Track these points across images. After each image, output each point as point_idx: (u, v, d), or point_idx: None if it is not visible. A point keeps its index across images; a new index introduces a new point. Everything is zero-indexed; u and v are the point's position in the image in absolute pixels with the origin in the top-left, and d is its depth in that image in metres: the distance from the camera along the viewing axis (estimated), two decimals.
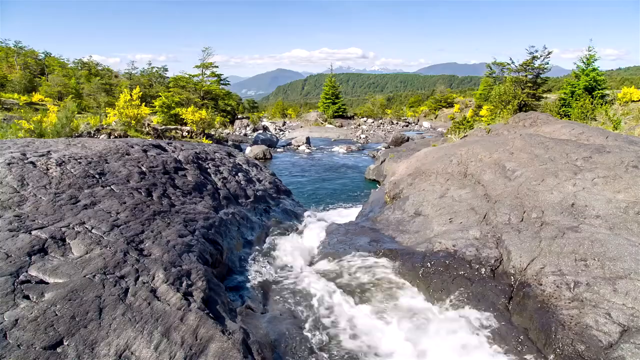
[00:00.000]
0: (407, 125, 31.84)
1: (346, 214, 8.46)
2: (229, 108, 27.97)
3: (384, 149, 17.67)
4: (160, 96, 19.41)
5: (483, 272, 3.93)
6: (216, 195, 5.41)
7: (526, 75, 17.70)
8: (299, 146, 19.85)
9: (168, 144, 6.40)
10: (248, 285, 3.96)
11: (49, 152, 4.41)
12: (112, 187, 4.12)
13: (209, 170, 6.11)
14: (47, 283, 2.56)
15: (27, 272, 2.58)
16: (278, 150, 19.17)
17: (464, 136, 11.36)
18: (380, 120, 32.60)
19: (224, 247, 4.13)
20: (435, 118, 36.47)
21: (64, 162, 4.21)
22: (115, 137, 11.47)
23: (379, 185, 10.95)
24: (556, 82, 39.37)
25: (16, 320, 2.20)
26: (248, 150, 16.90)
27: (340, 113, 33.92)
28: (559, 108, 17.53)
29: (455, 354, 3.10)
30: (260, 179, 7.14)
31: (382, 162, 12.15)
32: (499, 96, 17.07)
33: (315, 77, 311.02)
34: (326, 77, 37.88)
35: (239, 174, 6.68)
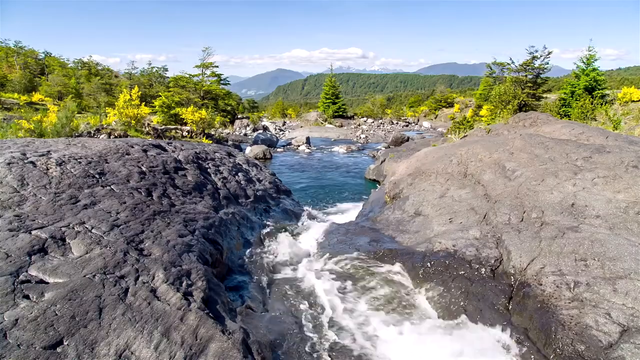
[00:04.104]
0: (407, 125, 31.84)
1: (346, 214, 8.48)
2: (229, 108, 27.96)
3: (384, 148, 17.68)
4: (160, 96, 19.40)
5: (483, 272, 3.93)
6: (216, 195, 5.40)
7: (526, 75, 17.71)
8: (299, 146, 19.85)
9: (168, 143, 6.40)
10: (248, 285, 3.96)
11: (49, 152, 4.41)
12: (112, 187, 4.12)
13: (209, 170, 6.11)
14: (47, 283, 2.56)
15: (27, 271, 2.57)
16: (278, 150, 19.17)
17: (464, 136, 11.36)
18: (380, 120, 32.60)
19: (224, 247, 4.13)
20: (435, 118, 36.47)
21: (64, 161, 4.21)
22: (115, 137, 11.47)
23: (379, 185, 10.95)
24: (556, 82, 39.36)
25: (16, 320, 2.20)
26: (248, 150, 16.90)
27: (340, 113, 33.92)
28: (559, 108, 17.54)
29: (455, 354, 3.10)
30: (260, 178, 7.14)
31: (382, 162, 12.16)
32: (499, 96, 17.07)
33: (315, 77, 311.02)
34: (326, 77, 37.87)
35: (239, 173, 6.68)
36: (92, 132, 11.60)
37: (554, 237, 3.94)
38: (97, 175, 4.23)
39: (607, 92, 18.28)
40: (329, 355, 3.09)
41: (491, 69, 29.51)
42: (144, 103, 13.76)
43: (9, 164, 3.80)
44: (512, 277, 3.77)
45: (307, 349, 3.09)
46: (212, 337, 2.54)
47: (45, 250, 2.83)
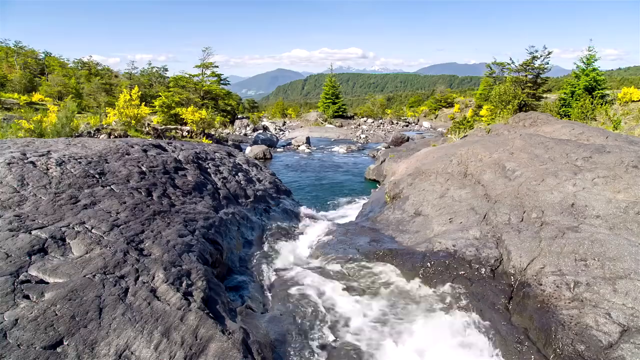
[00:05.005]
0: (407, 125, 31.84)
1: (346, 214, 8.48)
2: (229, 108, 27.97)
3: (384, 149, 17.67)
4: (160, 96, 19.40)
5: (483, 272, 3.93)
6: (216, 195, 5.40)
7: (526, 75, 17.71)
8: (299, 146, 19.85)
9: (168, 143, 6.40)
10: (248, 285, 3.96)
11: (49, 152, 4.41)
12: (112, 187, 4.12)
13: (209, 170, 6.11)
14: (47, 283, 2.56)
15: (27, 271, 2.57)
16: (278, 150, 19.17)
17: (464, 136, 11.36)
18: (380, 120, 32.60)
19: (224, 247, 4.13)
20: (435, 118, 36.47)
21: (64, 162, 4.21)
22: (115, 137, 11.47)
23: (379, 185, 10.95)
24: (556, 82, 39.39)
25: (16, 320, 2.20)
26: (248, 150, 16.90)
27: (340, 113, 33.92)
28: (559, 108, 17.54)
29: (455, 354, 3.10)
30: (260, 178, 7.14)
31: (382, 162, 12.16)
32: (499, 96, 17.06)
33: (315, 77, 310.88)
34: (326, 77, 37.85)
35: (239, 173, 6.68)
36: (92, 132, 11.60)
37: (554, 237, 3.94)
38: (97, 175, 4.23)
39: (607, 92, 18.26)
40: (329, 356, 3.09)
41: (491, 69, 29.46)
42: (144, 103, 13.76)
43: (9, 164, 3.80)
44: (512, 277, 3.77)
45: (306, 349, 3.09)
46: (212, 337, 2.54)
47: (45, 250, 2.83)
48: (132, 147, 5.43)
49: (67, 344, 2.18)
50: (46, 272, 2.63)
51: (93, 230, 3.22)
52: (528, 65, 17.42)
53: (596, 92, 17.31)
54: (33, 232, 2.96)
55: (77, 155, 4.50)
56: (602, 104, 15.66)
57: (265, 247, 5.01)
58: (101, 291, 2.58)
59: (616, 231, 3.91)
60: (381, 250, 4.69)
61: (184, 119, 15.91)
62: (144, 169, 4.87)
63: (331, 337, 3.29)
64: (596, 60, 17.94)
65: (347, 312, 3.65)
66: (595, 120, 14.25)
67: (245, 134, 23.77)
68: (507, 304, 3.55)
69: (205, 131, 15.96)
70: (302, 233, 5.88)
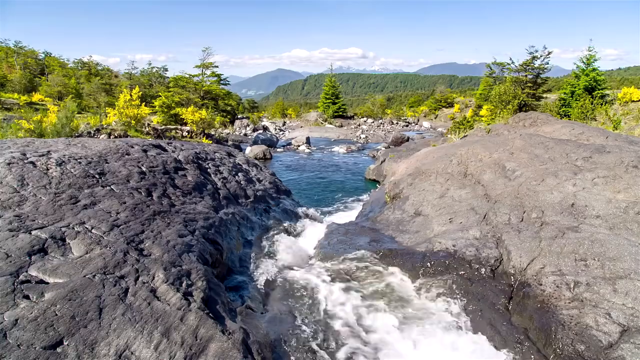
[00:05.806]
0: (407, 125, 31.86)
1: (346, 214, 8.48)
2: (229, 108, 27.99)
3: (384, 149, 17.67)
4: (160, 96, 19.41)
5: (483, 272, 3.93)
6: (216, 195, 5.40)
7: (526, 75, 17.71)
8: (299, 146, 19.85)
9: (168, 144, 6.40)
10: (248, 285, 3.96)
11: (49, 152, 4.41)
12: (112, 187, 4.12)
13: (209, 170, 6.11)
14: (47, 283, 2.56)
15: (27, 272, 2.57)
16: (278, 150, 19.17)
17: (464, 136, 11.37)
18: (380, 120, 32.61)
19: (224, 247, 4.13)
20: (435, 118, 36.48)
21: (64, 162, 4.20)
22: (115, 137, 11.48)
23: (379, 185, 10.95)
24: (556, 82, 39.42)
25: (16, 320, 2.20)
26: (248, 150, 16.91)
27: (340, 113, 33.93)
28: (559, 108, 17.54)
29: (455, 354, 3.10)
30: (260, 179, 7.13)
31: (382, 162, 12.16)
32: (499, 96, 17.07)
33: (315, 77, 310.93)
34: (326, 77, 37.85)
35: (239, 174, 6.68)
36: (92, 132, 11.61)
37: (554, 237, 3.94)
38: (97, 176, 4.23)
39: (607, 92, 18.27)
40: (329, 356, 3.09)
41: (491, 69, 29.45)
42: (144, 103, 13.76)
43: (9, 164, 3.80)
44: (512, 277, 3.77)
45: (307, 349, 3.09)
46: (212, 337, 2.54)
47: (45, 251, 2.83)
48: (132, 147, 5.43)
49: (67, 344, 2.18)
50: (46, 272, 2.63)
51: (93, 231, 3.22)
52: (528, 65, 17.42)
53: (596, 92, 17.32)
54: (33, 232, 2.96)
55: (77, 156, 4.50)
56: (602, 104, 15.67)
57: (265, 247, 5.01)
58: (101, 291, 2.58)
59: (616, 231, 3.91)
60: (381, 250, 4.70)
61: (184, 119, 15.92)
62: (144, 169, 4.87)
63: (331, 337, 3.29)
64: (596, 60, 17.96)
65: (346, 312, 3.64)
66: (595, 120, 14.25)
67: (245, 134, 23.78)
68: (507, 304, 3.55)
69: (205, 131, 15.96)
70: (302, 233, 5.88)
